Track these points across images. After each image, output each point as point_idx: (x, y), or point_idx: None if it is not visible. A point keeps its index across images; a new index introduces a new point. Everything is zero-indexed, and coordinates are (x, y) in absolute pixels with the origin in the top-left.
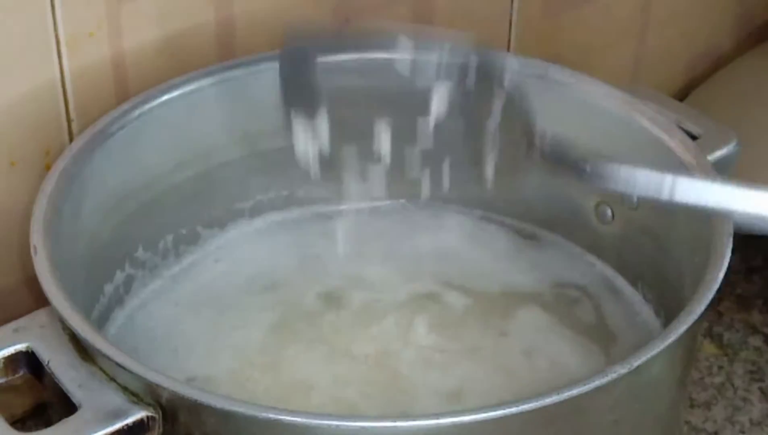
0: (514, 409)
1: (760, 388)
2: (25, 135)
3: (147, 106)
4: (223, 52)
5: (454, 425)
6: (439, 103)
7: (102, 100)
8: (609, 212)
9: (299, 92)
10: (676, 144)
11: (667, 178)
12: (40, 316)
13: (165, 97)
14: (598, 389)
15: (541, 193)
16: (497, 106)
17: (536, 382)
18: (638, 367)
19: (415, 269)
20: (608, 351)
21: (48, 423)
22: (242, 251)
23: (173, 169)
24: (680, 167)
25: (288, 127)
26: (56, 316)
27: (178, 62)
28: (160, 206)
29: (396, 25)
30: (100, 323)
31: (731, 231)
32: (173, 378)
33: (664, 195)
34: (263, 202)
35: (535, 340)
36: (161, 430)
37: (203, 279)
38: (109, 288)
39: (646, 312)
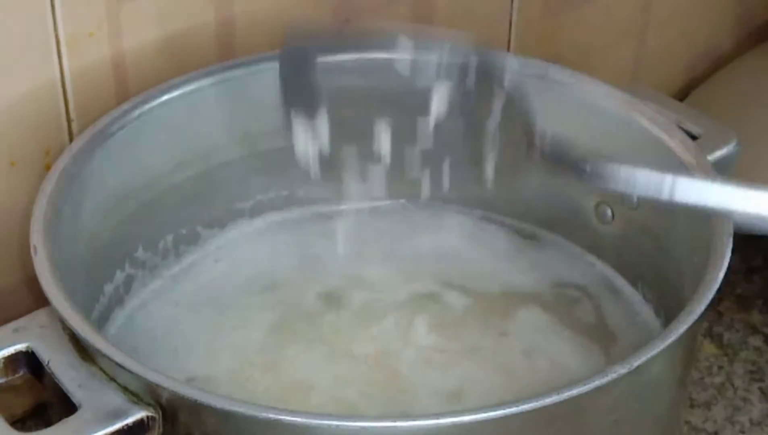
0: (514, 409)
1: (760, 388)
2: (25, 135)
3: (147, 106)
4: (223, 52)
5: (454, 425)
6: (439, 102)
7: (102, 100)
8: (609, 212)
9: (299, 92)
10: (676, 144)
11: (667, 178)
12: (40, 316)
13: (165, 97)
14: (598, 389)
15: (541, 193)
16: (497, 105)
17: (536, 382)
18: (638, 367)
19: (415, 269)
20: (608, 351)
21: (48, 423)
22: (242, 251)
23: (173, 169)
24: (680, 167)
25: (288, 127)
26: (56, 316)
27: (178, 62)
28: (160, 206)
29: (396, 25)
30: (100, 323)
31: (731, 231)
32: (173, 378)
33: (664, 195)
34: (263, 202)
35: (535, 340)
36: (161, 430)
37: (203, 279)
38: (109, 288)
39: (646, 312)
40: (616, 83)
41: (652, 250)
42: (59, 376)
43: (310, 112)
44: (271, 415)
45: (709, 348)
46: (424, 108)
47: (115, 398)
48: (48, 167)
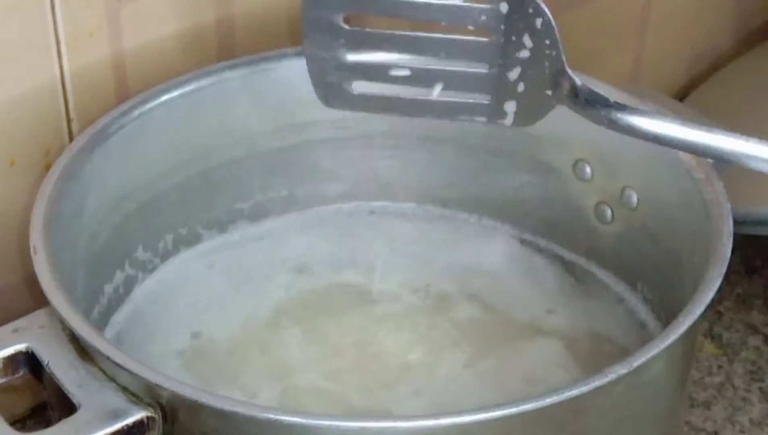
0: (514, 409)
1: (760, 388)
2: (25, 135)
3: (147, 106)
4: (223, 52)
5: (454, 425)
6: (466, 30)
7: (102, 100)
8: (609, 212)
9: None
10: None
11: (697, 132)
12: (40, 316)
13: (165, 97)
14: (597, 389)
15: (541, 194)
16: (528, 38)
17: None
18: (638, 367)
19: (443, 279)
20: None
21: (48, 423)
22: (284, 235)
23: (173, 169)
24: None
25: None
26: (56, 316)
27: (178, 62)
28: (160, 206)
29: None
30: (100, 323)
31: (731, 231)
32: (173, 378)
33: (686, 147)
34: (263, 202)
35: (543, 373)
36: (161, 430)
37: (243, 252)
38: (108, 288)
39: (646, 312)
40: (616, 83)
41: (652, 251)
42: (59, 377)
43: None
44: (271, 416)
45: (709, 348)
46: (449, 33)
47: (115, 398)
48: (48, 167)
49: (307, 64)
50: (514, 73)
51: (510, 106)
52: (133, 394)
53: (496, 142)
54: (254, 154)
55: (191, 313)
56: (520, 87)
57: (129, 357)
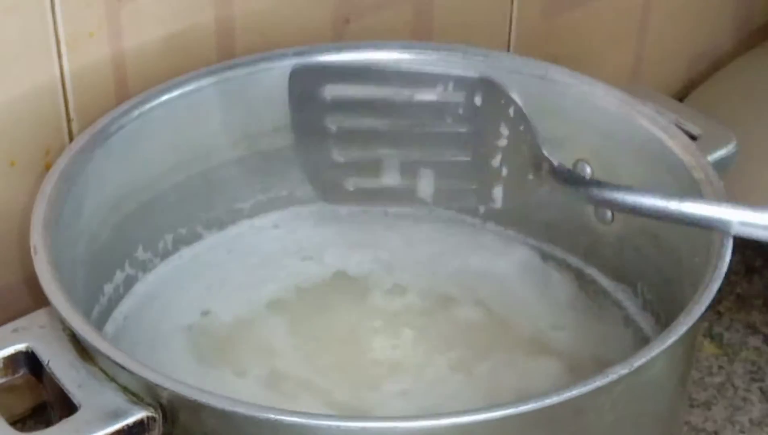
0: (513, 410)
1: (760, 388)
2: (25, 135)
3: (147, 106)
4: (223, 52)
5: (454, 425)
6: (445, 121)
7: (102, 100)
8: (608, 213)
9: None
10: (675, 144)
11: (672, 203)
12: (40, 316)
13: (165, 97)
14: (598, 390)
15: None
16: (504, 128)
17: None
18: (638, 367)
19: (450, 282)
20: None
21: (48, 423)
22: (301, 226)
23: (173, 169)
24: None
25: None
26: (56, 316)
27: (178, 62)
28: (160, 206)
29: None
30: (100, 323)
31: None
32: (173, 378)
33: (671, 217)
34: (263, 202)
35: (537, 389)
36: (161, 430)
37: (261, 239)
38: (108, 288)
39: (646, 312)
40: (616, 83)
41: (652, 251)
42: (59, 377)
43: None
44: (271, 416)
45: (709, 348)
46: (431, 126)
47: (115, 398)
48: (48, 167)
49: (301, 163)
50: (496, 161)
51: (497, 192)
52: (134, 394)
53: None
54: (254, 154)
55: (205, 293)
56: (504, 172)
57: (129, 357)
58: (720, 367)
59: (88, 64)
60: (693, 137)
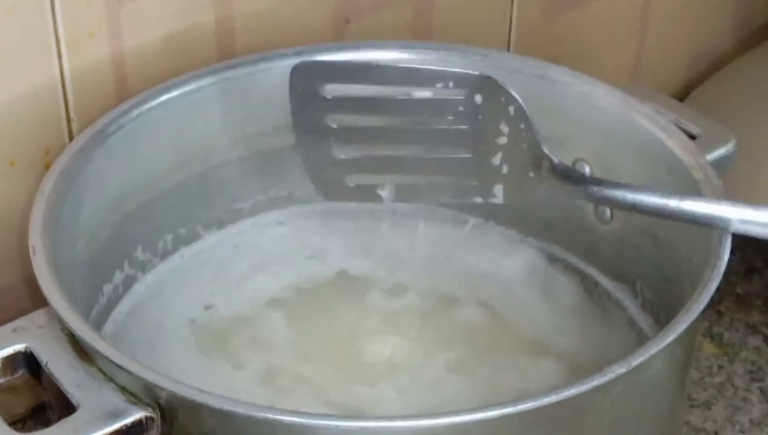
0: (512, 409)
1: (760, 388)
2: (25, 135)
3: (147, 106)
4: (223, 52)
5: (453, 425)
6: (445, 120)
7: (102, 100)
8: (608, 212)
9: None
10: (675, 143)
11: (672, 201)
12: (39, 316)
13: (165, 97)
14: (596, 389)
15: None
16: (504, 127)
17: None
18: (637, 366)
19: (454, 282)
20: None
21: (47, 423)
22: (305, 224)
23: (172, 169)
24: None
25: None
26: (55, 316)
27: (178, 62)
28: (160, 206)
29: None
30: (99, 323)
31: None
32: (172, 378)
33: (671, 214)
34: (263, 202)
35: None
36: (160, 430)
37: (267, 236)
38: (108, 288)
39: (645, 312)
40: (616, 83)
41: (651, 250)
42: (58, 377)
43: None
44: (270, 415)
45: (709, 348)
46: (431, 124)
47: (113, 398)
48: (48, 167)
49: (302, 161)
50: (496, 159)
51: (498, 189)
52: (132, 394)
53: None
54: (254, 154)
55: (209, 288)
56: (504, 170)
57: (128, 357)
58: (720, 367)
59: (88, 64)
60: (692, 137)
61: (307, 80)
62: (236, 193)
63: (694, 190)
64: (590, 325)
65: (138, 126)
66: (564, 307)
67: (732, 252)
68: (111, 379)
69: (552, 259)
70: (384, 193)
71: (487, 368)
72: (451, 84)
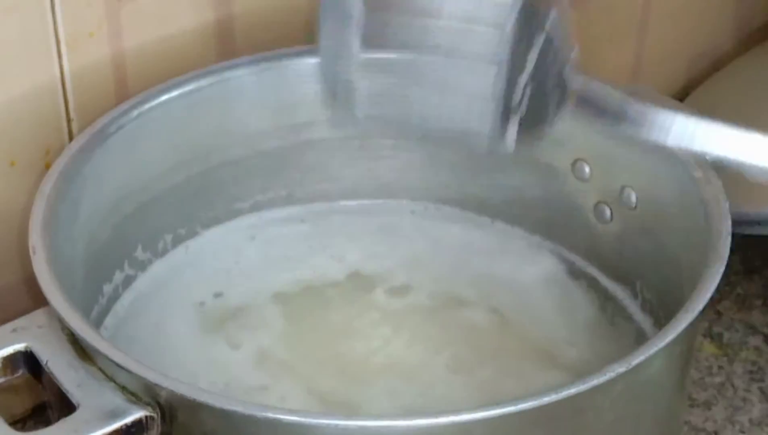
0: (512, 409)
1: (760, 388)
2: (25, 135)
3: (147, 106)
4: (223, 52)
5: (453, 424)
6: (475, 44)
7: (102, 100)
8: (608, 212)
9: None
10: None
11: (701, 126)
12: (39, 316)
13: (165, 97)
14: (596, 388)
15: (540, 194)
16: (534, 51)
17: None
18: (636, 366)
19: (468, 286)
20: None
21: (47, 423)
22: (324, 221)
23: (172, 169)
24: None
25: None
26: (55, 316)
27: (178, 62)
28: (160, 206)
29: None
30: (99, 323)
31: (730, 230)
32: (172, 378)
33: (696, 146)
34: (262, 202)
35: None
36: (160, 429)
37: (286, 231)
38: (108, 288)
39: (645, 312)
40: (616, 83)
41: (651, 250)
42: (58, 376)
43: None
44: (270, 415)
45: (709, 348)
46: (456, 52)
47: (113, 398)
48: (48, 167)
49: (320, 59)
50: (519, 89)
51: (511, 134)
52: (132, 394)
53: None
54: (254, 154)
55: (221, 277)
56: (526, 102)
57: (128, 356)
58: (720, 367)
59: (88, 64)
60: None
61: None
62: (236, 193)
63: (694, 190)
64: (602, 341)
65: (138, 126)
66: (578, 321)
67: (732, 252)
68: (111, 379)
69: (573, 272)
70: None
71: (487, 371)
72: (483, 7)
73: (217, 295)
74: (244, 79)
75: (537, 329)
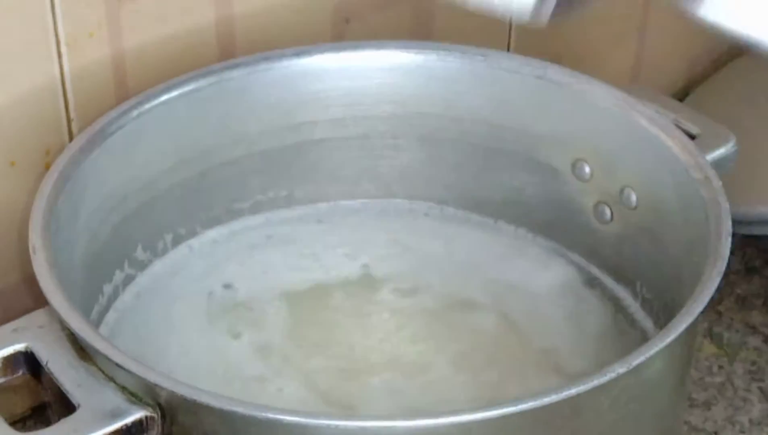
0: (512, 409)
1: (760, 388)
2: (25, 135)
3: (147, 106)
4: (223, 52)
5: (453, 425)
6: None
7: (102, 100)
8: (608, 212)
9: None
10: (674, 143)
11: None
12: (39, 316)
13: (165, 97)
14: (596, 389)
15: (541, 194)
16: None
17: None
18: (637, 366)
19: (480, 291)
20: None
21: (48, 423)
22: (341, 221)
23: (172, 169)
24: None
25: None
26: (55, 316)
27: (178, 62)
28: (160, 206)
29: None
30: (99, 323)
31: (730, 230)
32: (172, 378)
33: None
34: (262, 202)
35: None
36: (160, 429)
37: (303, 231)
38: (108, 288)
39: (645, 312)
40: (616, 83)
41: (651, 250)
42: (58, 376)
43: None
44: (270, 415)
45: (709, 348)
46: None
47: (113, 398)
48: (48, 167)
49: None
50: None
51: (549, 4)
52: (132, 394)
53: (495, 141)
54: (254, 154)
55: (233, 271)
56: None
57: (128, 356)
58: (720, 367)
59: (88, 64)
60: (692, 137)
61: None
62: (236, 192)
63: (694, 190)
64: (611, 353)
65: (138, 126)
66: (588, 332)
67: (732, 252)
68: (111, 379)
69: (588, 282)
70: None
71: (490, 374)
72: None
73: (227, 286)
74: (244, 79)
75: (545, 336)
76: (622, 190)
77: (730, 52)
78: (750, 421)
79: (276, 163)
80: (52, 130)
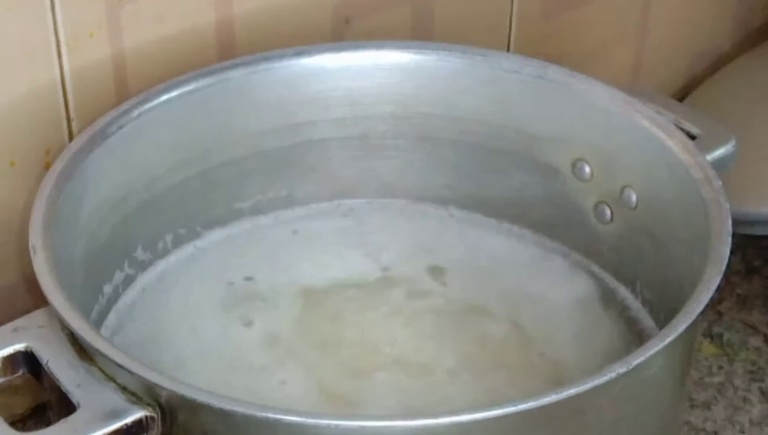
0: (513, 409)
1: (760, 388)
2: (25, 135)
3: (147, 106)
4: (223, 52)
5: (453, 425)
6: None
7: (102, 99)
8: (608, 212)
9: None
10: (675, 143)
11: None
12: (39, 316)
13: (165, 97)
14: (596, 389)
15: (541, 194)
16: None
17: None
18: (637, 366)
19: (495, 299)
20: None
21: (48, 423)
22: (365, 220)
23: (172, 169)
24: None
25: None
26: (55, 316)
27: (178, 62)
28: (160, 206)
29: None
30: (99, 323)
31: (730, 230)
32: (172, 378)
33: None
34: (262, 201)
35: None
36: (160, 429)
37: (323, 225)
38: (108, 288)
39: (645, 312)
40: (616, 83)
41: (652, 250)
42: (58, 376)
43: None
44: (270, 415)
45: (709, 348)
46: None
47: (114, 398)
48: (48, 167)
49: None
50: None
51: None
52: (132, 394)
53: (495, 142)
54: (254, 154)
55: (256, 264)
56: None
57: (128, 356)
58: (720, 367)
59: (88, 64)
60: (692, 137)
61: None
62: (236, 193)
63: (694, 190)
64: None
65: (138, 126)
66: (601, 350)
67: (732, 252)
68: (111, 379)
69: (607, 298)
70: None
71: (494, 379)
72: None
73: (248, 278)
74: (244, 79)
75: (553, 349)
76: (622, 190)
77: (730, 52)
78: (750, 421)
79: (276, 163)
80: (52, 130)
